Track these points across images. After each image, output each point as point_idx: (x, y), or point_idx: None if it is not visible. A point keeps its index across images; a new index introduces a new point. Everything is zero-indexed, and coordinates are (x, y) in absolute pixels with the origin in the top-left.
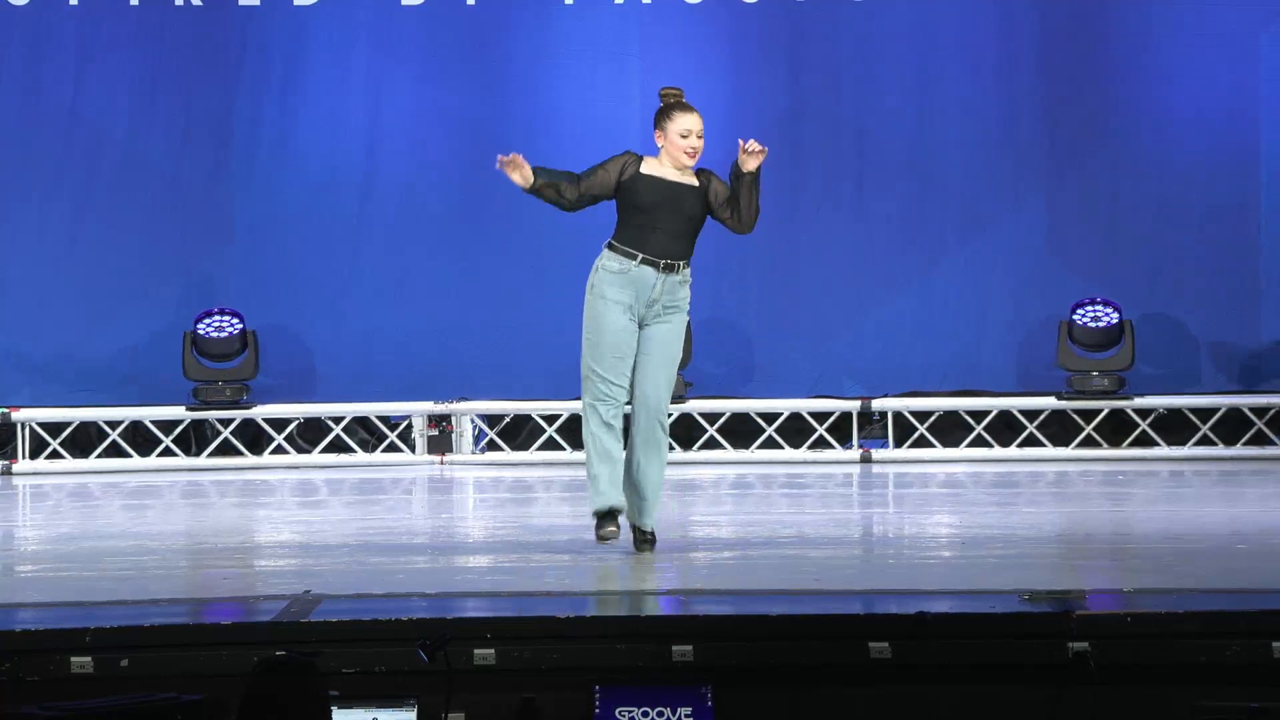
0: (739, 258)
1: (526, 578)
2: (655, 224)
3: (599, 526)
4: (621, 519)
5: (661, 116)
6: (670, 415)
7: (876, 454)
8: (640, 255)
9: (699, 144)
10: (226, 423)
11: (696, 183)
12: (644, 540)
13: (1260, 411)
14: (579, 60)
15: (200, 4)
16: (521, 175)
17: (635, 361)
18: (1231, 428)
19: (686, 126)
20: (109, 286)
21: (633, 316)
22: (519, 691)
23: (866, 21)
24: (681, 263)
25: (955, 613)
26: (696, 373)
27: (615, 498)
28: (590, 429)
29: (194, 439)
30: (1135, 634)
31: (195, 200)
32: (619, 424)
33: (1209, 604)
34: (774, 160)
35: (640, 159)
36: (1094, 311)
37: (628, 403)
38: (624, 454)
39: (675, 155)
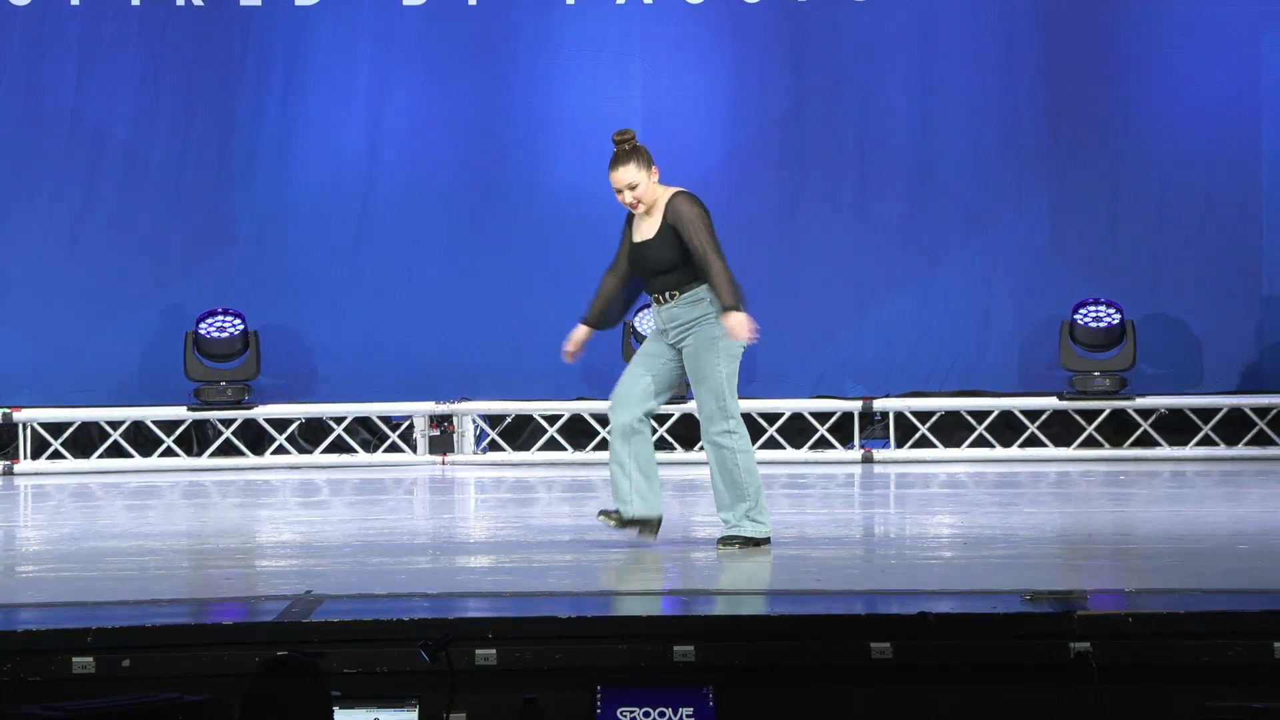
0: (739, 258)
1: (528, 578)
2: (641, 273)
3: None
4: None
5: None
6: (726, 417)
7: (878, 454)
8: (648, 296)
9: (630, 197)
10: (228, 423)
11: (657, 228)
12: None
13: (1262, 412)
14: (580, 60)
15: (201, 4)
16: (587, 333)
17: None
18: (1233, 428)
19: (615, 186)
20: (110, 286)
21: (664, 342)
22: (521, 692)
23: (868, 22)
24: (670, 293)
25: (957, 613)
26: None
27: (628, 510)
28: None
29: (195, 439)
30: (1137, 634)
31: (197, 200)
32: (635, 430)
33: (1211, 604)
34: (775, 161)
35: (632, 217)
36: (1095, 312)
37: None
38: (637, 460)
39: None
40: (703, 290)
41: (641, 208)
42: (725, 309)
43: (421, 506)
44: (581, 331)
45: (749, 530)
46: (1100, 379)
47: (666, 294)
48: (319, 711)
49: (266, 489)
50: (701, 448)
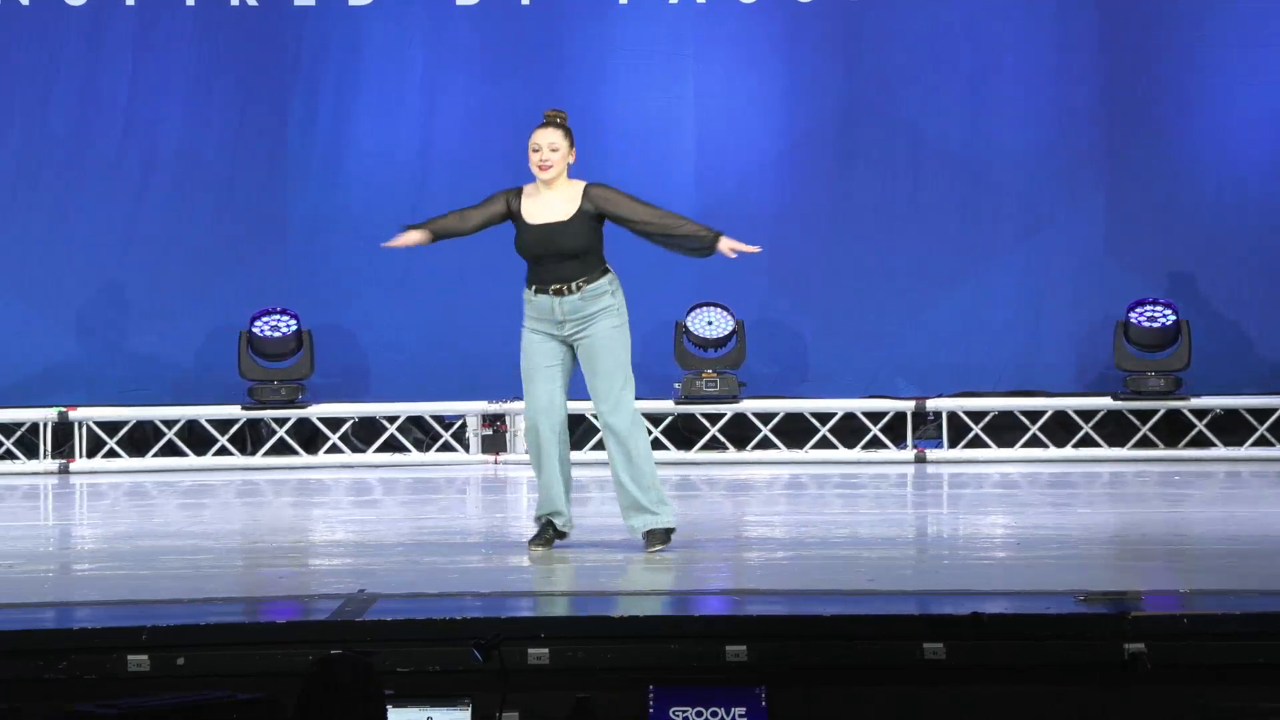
0: (792, 257)
1: (580, 577)
2: (539, 259)
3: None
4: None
5: None
6: (630, 401)
7: (931, 454)
8: (535, 285)
9: (548, 157)
10: (282, 422)
11: (573, 211)
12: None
13: None
14: (633, 59)
15: (256, 3)
16: (420, 235)
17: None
18: None
19: (535, 142)
20: (164, 286)
21: (552, 338)
22: (573, 691)
23: (921, 21)
24: (575, 282)
25: (1010, 613)
26: (750, 373)
27: (543, 506)
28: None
29: (249, 438)
30: (1191, 635)
31: (250, 200)
32: (546, 435)
33: (1266, 605)
34: (828, 160)
35: (520, 194)
36: (1151, 311)
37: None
38: (556, 462)
39: (532, 170)
40: (605, 283)
41: (547, 174)
42: (717, 235)
43: (474, 505)
44: (416, 235)
45: (666, 519)
46: (1155, 379)
47: (571, 284)
48: (372, 710)
49: (320, 488)
50: (753, 447)
